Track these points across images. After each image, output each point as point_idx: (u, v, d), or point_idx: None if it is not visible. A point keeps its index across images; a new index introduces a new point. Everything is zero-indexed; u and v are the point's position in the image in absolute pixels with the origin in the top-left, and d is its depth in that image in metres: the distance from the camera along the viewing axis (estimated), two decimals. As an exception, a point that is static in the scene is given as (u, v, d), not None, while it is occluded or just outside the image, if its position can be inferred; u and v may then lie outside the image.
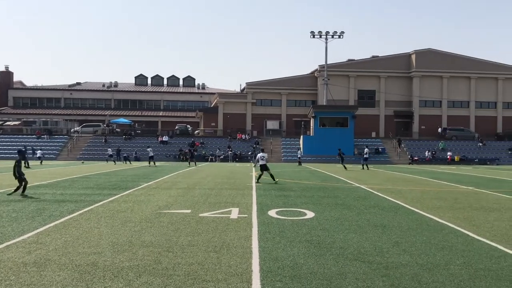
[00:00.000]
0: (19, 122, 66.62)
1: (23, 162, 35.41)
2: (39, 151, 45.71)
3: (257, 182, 20.79)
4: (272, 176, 21.43)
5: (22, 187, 15.34)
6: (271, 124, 66.28)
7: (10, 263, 6.67)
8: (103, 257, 7.07)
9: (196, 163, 42.13)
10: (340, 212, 12.11)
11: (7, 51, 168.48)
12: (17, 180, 15.29)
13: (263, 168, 21.72)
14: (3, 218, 10.59)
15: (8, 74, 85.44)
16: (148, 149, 41.27)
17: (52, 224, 9.83)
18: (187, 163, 41.66)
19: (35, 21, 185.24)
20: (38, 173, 27.31)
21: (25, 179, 15.35)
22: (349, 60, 68.52)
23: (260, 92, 67.00)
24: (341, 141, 52.70)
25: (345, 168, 36.27)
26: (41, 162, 42.94)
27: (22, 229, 9.23)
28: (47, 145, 55.62)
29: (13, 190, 15.43)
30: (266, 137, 61.73)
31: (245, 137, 60.38)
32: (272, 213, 11.78)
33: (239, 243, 8.19)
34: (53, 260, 6.84)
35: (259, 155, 22.61)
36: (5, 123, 66.16)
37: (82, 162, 45.88)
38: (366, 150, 37.98)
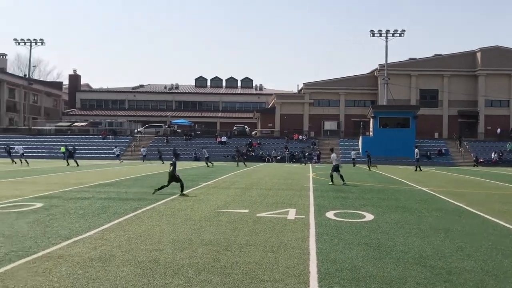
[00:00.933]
0: (86, 123, 69.62)
1: (71, 160, 37.44)
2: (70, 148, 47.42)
3: (331, 183, 20.47)
4: (341, 177, 21.00)
5: (166, 186, 15.99)
6: (329, 125, 65.64)
7: (77, 257, 7.00)
8: (164, 254, 7.28)
9: (246, 163, 42.23)
10: (401, 215, 11.83)
11: (75, 55, 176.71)
12: (173, 181, 15.91)
13: (335, 169, 21.30)
14: (71, 214, 11.13)
15: (76, 77, 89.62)
16: (204, 150, 41.96)
17: (116, 221, 10.23)
18: (241, 163, 41.95)
19: (101, 26, 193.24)
20: (104, 172, 28.44)
21: (180, 179, 16.06)
22: (410, 59, 66.69)
23: (318, 92, 66.51)
24: (402, 142, 51.42)
25: (369, 169, 36.51)
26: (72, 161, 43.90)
27: (89, 226, 9.66)
28: (112, 145, 57.83)
29: (157, 188, 15.93)
30: (323, 138, 61.21)
31: (302, 138, 60.15)
32: (330, 214, 11.68)
33: (296, 244, 8.19)
34: (117, 256, 7.12)
35: (332, 155, 22.21)
36: (73, 124, 69.34)
37: (121, 162, 47.57)
38: (416, 150, 36.88)
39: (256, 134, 66.95)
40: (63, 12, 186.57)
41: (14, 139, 59.23)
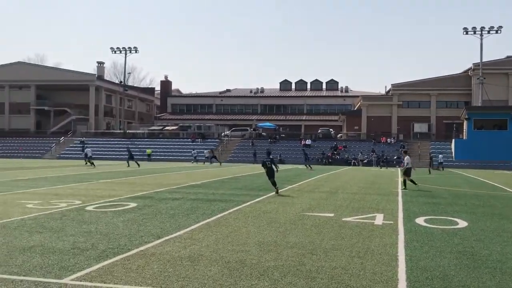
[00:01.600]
0: (176, 127, 72.51)
1: (132, 162, 39.02)
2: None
3: (404, 188, 19.85)
4: (412, 181, 20.26)
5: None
6: (419, 127, 63.14)
7: (168, 256, 7.30)
8: (250, 255, 7.38)
9: (311, 166, 41.57)
10: (498, 223, 11.10)
11: (167, 62, 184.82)
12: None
13: (407, 172, 20.61)
14: (162, 214, 11.63)
15: (167, 83, 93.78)
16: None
17: (204, 222, 10.54)
18: (329, 166, 41.53)
19: (191, 34, 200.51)
20: (193, 174, 29.44)
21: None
22: (508, 57, 62.50)
23: (407, 93, 64.30)
24: (499, 145, 48.29)
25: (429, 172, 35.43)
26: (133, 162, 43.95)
27: (178, 225, 10.03)
28: (201, 148, 59.76)
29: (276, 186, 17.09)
30: (413, 141, 58.96)
31: (390, 141, 58.38)
32: (420, 220, 11.22)
33: (384, 250, 7.96)
34: (205, 256, 7.33)
35: (405, 158, 21.47)
36: (165, 128, 72.52)
37: (194, 162, 49.85)
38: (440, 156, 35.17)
39: (341, 137, 66.03)
40: (155, 21, 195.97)
41: (111, 142, 63.14)
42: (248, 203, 14.20)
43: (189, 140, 63.50)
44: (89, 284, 5.81)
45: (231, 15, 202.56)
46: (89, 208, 12.61)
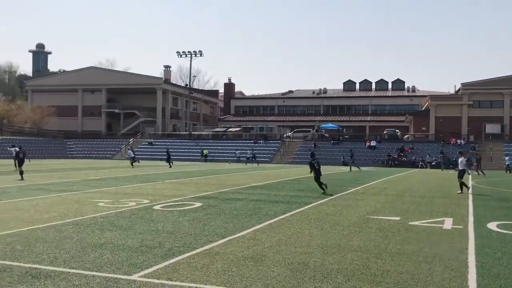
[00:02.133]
0: (239, 128, 73.32)
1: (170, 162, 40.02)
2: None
3: (460, 191, 18.69)
4: (463, 184, 18.87)
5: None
6: (491, 128, 60.14)
7: (232, 256, 7.39)
8: (313, 258, 7.33)
9: (359, 167, 40.49)
10: None
11: (230, 65, 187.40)
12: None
13: (460, 174, 19.27)
14: (226, 214, 11.80)
15: (230, 85, 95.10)
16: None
17: (267, 223, 10.59)
18: (395, 168, 40.52)
19: (252, 35, 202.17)
20: (254, 175, 29.65)
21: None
22: None
23: (478, 93, 61.44)
24: None
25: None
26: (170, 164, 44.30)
27: (242, 226, 10.14)
28: (263, 149, 60.06)
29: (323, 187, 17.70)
30: (485, 142, 56.23)
31: (460, 142, 55.99)
32: (492, 225, 10.69)
33: (453, 255, 7.64)
34: (268, 257, 7.36)
35: (460, 159, 20.18)
36: (228, 130, 73.56)
37: (229, 163, 50.96)
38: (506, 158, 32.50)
39: (408, 138, 64.11)
40: (219, 25, 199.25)
41: (177, 144, 64.86)
42: (311, 205, 14.12)
43: (251, 141, 64.00)
44: (156, 281, 6.00)
45: (294, 18, 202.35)
46: (157, 207, 13.01)
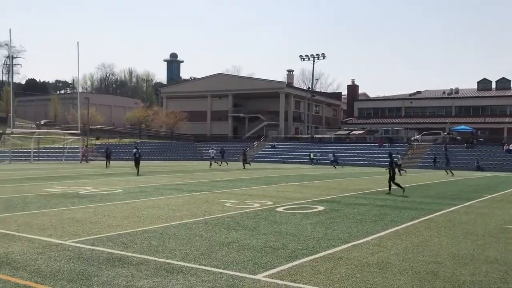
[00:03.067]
0: (363, 131, 71.79)
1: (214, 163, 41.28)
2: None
3: None
4: None
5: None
6: None
7: (356, 261, 7.25)
8: (443, 268, 6.92)
9: (452, 172, 36.50)
10: None
11: (353, 66, 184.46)
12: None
13: None
14: (349, 219, 11.61)
15: (354, 87, 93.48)
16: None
17: (393, 229, 10.21)
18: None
19: (374, 35, 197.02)
20: (378, 179, 28.79)
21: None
22: None
23: None
24: None
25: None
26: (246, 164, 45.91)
27: (366, 231, 9.90)
28: (388, 153, 58.07)
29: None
30: None
31: None
32: None
33: None
34: (394, 264, 7.10)
35: None
36: (351, 132, 72.40)
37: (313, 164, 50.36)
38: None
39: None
40: (341, 27, 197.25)
41: (299, 147, 65.42)
42: (440, 212, 13.34)
43: (376, 144, 62.28)
44: (280, 282, 6.09)
45: (423, 13, 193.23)
46: (280, 209, 13.23)
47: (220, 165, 44.98)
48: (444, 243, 8.77)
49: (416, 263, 7.20)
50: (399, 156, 39.94)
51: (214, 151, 45.77)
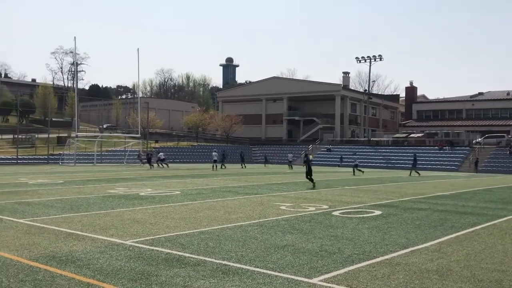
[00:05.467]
0: (422, 134, 69.80)
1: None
2: (290, 154, 53.45)
3: None
4: None
5: None
6: None
7: (414, 267, 7.07)
8: (508, 276, 6.63)
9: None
10: None
11: (411, 68, 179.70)
12: None
13: None
14: (408, 224, 11.32)
15: (412, 89, 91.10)
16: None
17: (453, 235, 9.88)
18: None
19: (434, 36, 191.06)
20: (439, 184, 27.90)
21: None
22: None
23: None
24: None
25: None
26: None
27: (425, 237, 9.62)
28: (448, 156, 56.19)
29: None
30: None
31: None
32: None
33: None
34: (454, 271, 6.87)
35: None
36: (410, 135, 70.58)
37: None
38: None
39: None
40: (398, 28, 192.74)
41: (355, 149, 64.45)
42: (505, 218, 12.76)
43: (435, 148, 60.37)
44: (336, 286, 6.04)
45: (480, 12, 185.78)
46: (336, 213, 13.10)
47: (222, 168, 44.52)
48: (509, 251, 8.39)
49: (479, 270, 6.93)
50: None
51: (216, 153, 45.83)
